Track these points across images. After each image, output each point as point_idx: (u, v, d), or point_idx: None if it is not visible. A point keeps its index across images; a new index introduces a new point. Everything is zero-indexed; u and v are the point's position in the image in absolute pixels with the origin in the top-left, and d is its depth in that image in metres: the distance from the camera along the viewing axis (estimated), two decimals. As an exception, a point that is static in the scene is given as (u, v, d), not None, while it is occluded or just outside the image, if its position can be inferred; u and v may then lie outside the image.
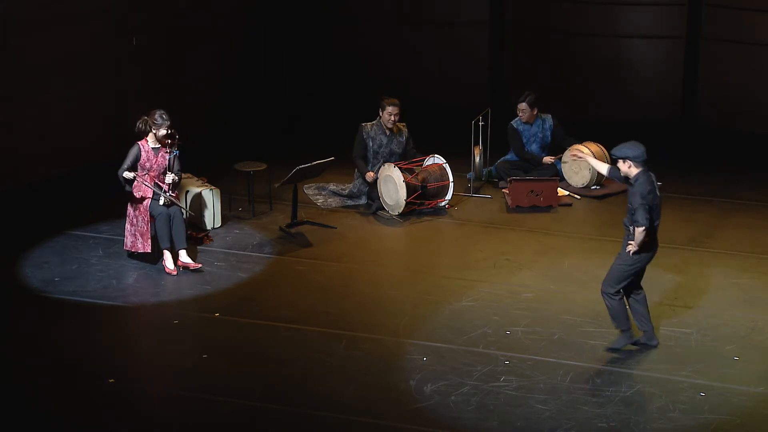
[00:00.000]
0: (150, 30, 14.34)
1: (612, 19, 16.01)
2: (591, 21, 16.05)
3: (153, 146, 10.70)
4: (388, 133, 12.49)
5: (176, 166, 10.78)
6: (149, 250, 10.72)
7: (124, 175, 10.59)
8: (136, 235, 10.74)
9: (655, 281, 10.58)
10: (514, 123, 13.12)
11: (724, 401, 8.45)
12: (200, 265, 10.78)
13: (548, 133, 13.12)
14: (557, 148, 13.12)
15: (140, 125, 10.73)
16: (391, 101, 12.38)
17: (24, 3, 12.76)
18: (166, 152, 10.71)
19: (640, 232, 8.88)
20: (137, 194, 10.69)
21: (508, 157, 13.25)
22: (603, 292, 9.13)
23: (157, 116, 10.69)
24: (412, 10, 16.79)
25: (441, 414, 8.27)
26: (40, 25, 12.94)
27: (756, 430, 8.11)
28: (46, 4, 12.99)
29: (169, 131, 10.67)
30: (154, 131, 10.67)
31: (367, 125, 12.56)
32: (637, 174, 8.98)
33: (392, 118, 12.38)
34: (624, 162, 8.99)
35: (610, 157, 9.07)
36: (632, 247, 8.94)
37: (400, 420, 8.20)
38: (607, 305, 9.16)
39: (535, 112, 13.04)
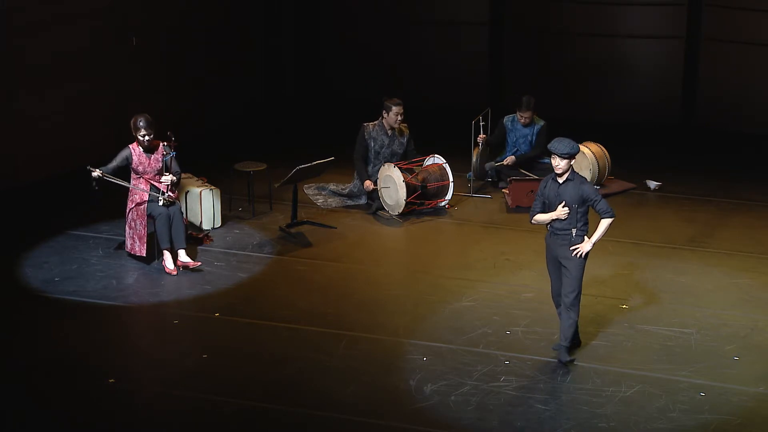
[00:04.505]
0: (150, 30, 14.33)
1: (612, 19, 16.01)
2: (591, 21, 16.05)
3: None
4: (390, 133, 12.48)
5: (174, 167, 10.77)
6: (144, 254, 10.73)
7: (89, 168, 10.36)
8: (134, 238, 10.74)
9: (656, 281, 10.59)
10: (506, 120, 13.13)
11: (724, 401, 8.44)
12: (199, 264, 10.78)
13: (535, 136, 13.08)
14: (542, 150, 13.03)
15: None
16: (395, 101, 12.36)
17: (24, 3, 12.75)
18: (162, 154, 10.69)
19: (609, 223, 8.85)
20: (134, 199, 10.69)
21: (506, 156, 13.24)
22: (570, 307, 8.87)
23: (139, 121, 10.58)
24: (412, 9, 16.79)
25: (441, 414, 8.27)
26: (40, 25, 12.93)
27: (756, 430, 8.10)
28: (46, 4, 12.99)
29: (151, 133, 10.56)
30: (135, 134, 10.60)
31: (369, 125, 12.55)
32: (572, 170, 8.86)
33: (398, 118, 12.38)
34: (571, 159, 8.75)
35: (560, 155, 8.64)
36: (588, 245, 8.83)
37: (400, 420, 8.19)
38: (575, 319, 8.91)
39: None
